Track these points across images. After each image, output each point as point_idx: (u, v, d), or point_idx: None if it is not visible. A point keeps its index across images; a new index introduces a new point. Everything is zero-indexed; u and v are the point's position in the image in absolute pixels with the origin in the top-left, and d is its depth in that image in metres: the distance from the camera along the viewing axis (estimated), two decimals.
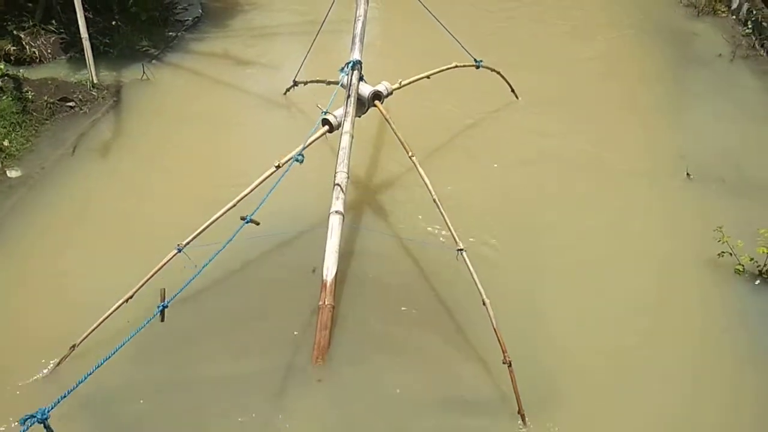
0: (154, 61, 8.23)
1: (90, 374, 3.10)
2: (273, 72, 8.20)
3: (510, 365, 4.06)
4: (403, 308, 4.78)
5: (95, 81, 7.53)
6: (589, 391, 4.29)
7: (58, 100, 7.11)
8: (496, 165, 6.35)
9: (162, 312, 3.70)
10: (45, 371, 4.30)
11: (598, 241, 5.50)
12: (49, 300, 4.90)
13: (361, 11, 5.77)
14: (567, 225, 5.63)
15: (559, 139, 6.76)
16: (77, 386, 3.06)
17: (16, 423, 3.86)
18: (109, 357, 3.17)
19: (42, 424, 2.81)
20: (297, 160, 4.62)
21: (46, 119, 6.91)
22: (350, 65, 5.37)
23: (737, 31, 8.92)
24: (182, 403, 4.19)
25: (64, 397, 2.97)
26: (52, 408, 2.89)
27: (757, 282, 5.06)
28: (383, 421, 4.11)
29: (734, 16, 9.36)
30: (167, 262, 4.38)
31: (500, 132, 6.90)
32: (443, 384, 4.32)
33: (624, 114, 7.31)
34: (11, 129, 6.55)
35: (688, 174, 6.16)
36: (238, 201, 4.65)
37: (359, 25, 5.70)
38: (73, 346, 4.26)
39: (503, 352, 4.09)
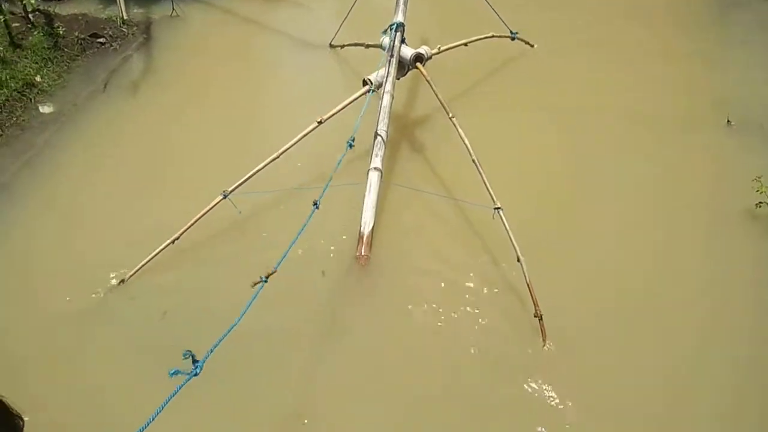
0: None
1: (220, 341, 3.18)
2: (304, 11, 8.08)
3: (541, 318, 4.18)
4: (439, 262, 4.75)
5: (125, 17, 7.49)
6: (622, 342, 4.24)
7: (88, 36, 7.09)
8: (527, 118, 6.18)
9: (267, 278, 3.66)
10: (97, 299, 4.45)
11: (634, 192, 5.35)
12: (79, 238, 4.97)
13: None
14: (601, 178, 5.48)
15: (592, 88, 6.55)
16: (217, 344, 3.18)
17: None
18: (232, 328, 3.25)
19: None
20: (350, 145, 4.67)
21: (77, 55, 6.91)
22: (394, 27, 5.40)
23: None
24: None
25: (207, 357, 3.11)
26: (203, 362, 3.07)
27: None
28: (413, 363, 4.15)
29: None
30: (213, 207, 4.55)
31: (529, 82, 6.68)
32: (477, 334, 4.31)
33: (659, 59, 7.05)
34: (43, 65, 6.57)
35: (728, 121, 5.97)
36: (282, 153, 4.79)
37: None
38: (122, 280, 4.48)
39: (535, 306, 4.21)
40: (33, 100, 6.22)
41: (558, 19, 7.66)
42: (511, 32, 6.79)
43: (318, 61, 7.12)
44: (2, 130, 5.84)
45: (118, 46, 7.16)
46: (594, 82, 6.66)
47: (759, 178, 5.01)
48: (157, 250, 4.49)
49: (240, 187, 4.64)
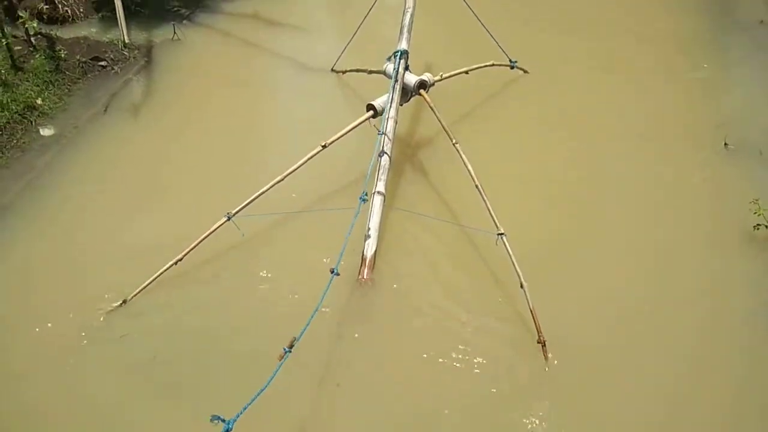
0: (185, 22, 8.20)
1: (249, 405, 3.26)
2: (304, 35, 8.15)
3: (544, 344, 4.23)
4: (441, 287, 4.76)
5: (127, 41, 7.54)
6: (623, 369, 4.28)
7: (90, 59, 7.13)
8: (529, 142, 6.23)
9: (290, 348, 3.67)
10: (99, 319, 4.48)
11: (635, 215, 5.40)
12: (79, 258, 4.99)
13: (410, 3, 5.99)
14: (602, 201, 5.54)
15: (593, 111, 6.63)
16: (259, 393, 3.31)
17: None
18: (259, 393, 3.32)
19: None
20: (362, 200, 4.59)
21: (79, 78, 6.95)
22: (398, 54, 5.49)
23: None
24: None
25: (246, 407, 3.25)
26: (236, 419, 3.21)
27: None
28: (415, 389, 4.15)
29: None
30: (217, 228, 4.61)
31: (530, 106, 6.73)
32: (479, 359, 4.31)
33: (659, 80, 7.14)
34: (44, 87, 6.61)
35: (726, 144, 6.02)
36: (286, 176, 4.85)
37: (407, 16, 5.90)
38: (124, 301, 4.50)
39: (538, 332, 4.25)
40: (34, 123, 6.25)
41: (559, 43, 7.74)
42: (510, 61, 6.90)
43: (318, 85, 7.16)
44: (3, 152, 5.86)
45: (119, 69, 7.20)
46: (595, 105, 6.73)
47: (756, 200, 5.05)
48: (160, 271, 4.51)
49: (244, 209, 4.68)
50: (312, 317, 3.75)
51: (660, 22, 8.23)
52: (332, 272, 4.08)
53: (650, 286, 4.79)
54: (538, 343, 4.24)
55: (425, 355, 4.29)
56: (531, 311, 4.31)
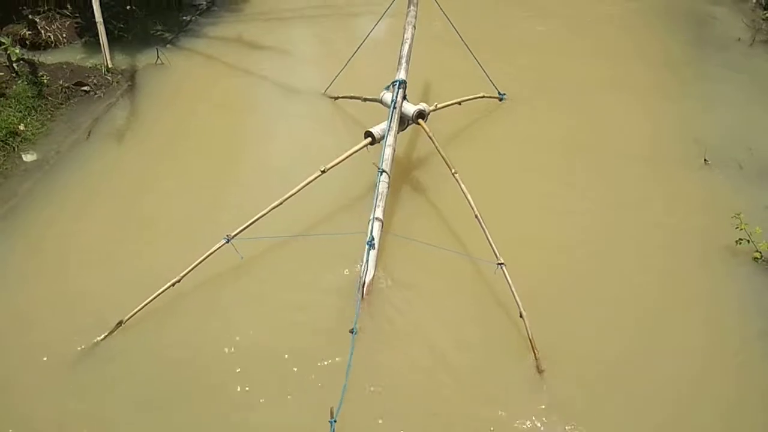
0: (168, 46, 8.23)
1: None
2: (290, 59, 8.22)
3: (542, 372, 4.28)
4: (439, 315, 4.75)
5: (110, 65, 7.55)
6: (623, 393, 4.28)
7: (73, 85, 7.13)
8: (526, 168, 6.24)
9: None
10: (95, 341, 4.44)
11: (625, 236, 5.43)
12: (65, 283, 4.94)
13: (408, 35, 6.05)
14: (595, 226, 5.55)
15: (582, 134, 6.66)
16: None
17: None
18: None
19: None
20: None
21: (61, 103, 6.94)
22: (397, 84, 5.63)
23: (758, 15, 8.78)
24: None
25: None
26: None
27: None
28: (412, 416, 4.11)
29: (755, 0, 9.21)
30: (215, 251, 4.62)
31: (523, 131, 6.76)
32: (477, 390, 4.29)
33: (638, 99, 7.23)
34: (27, 113, 6.59)
35: (705, 160, 6.10)
36: (285, 200, 4.89)
37: (406, 47, 5.97)
38: (120, 322, 4.44)
39: (537, 361, 4.30)
40: (16, 149, 6.22)
41: (546, 66, 7.85)
42: (499, 93, 7.04)
43: (307, 109, 7.17)
44: None
45: (102, 94, 7.19)
46: (582, 127, 6.77)
47: (738, 215, 5.10)
48: (158, 292, 4.47)
49: (243, 232, 4.70)
50: (344, 388, 3.78)
51: (639, 44, 8.37)
52: (351, 332, 4.14)
53: (643, 310, 4.80)
54: (539, 372, 4.26)
55: (421, 385, 4.27)
56: (530, 340, 4.35)
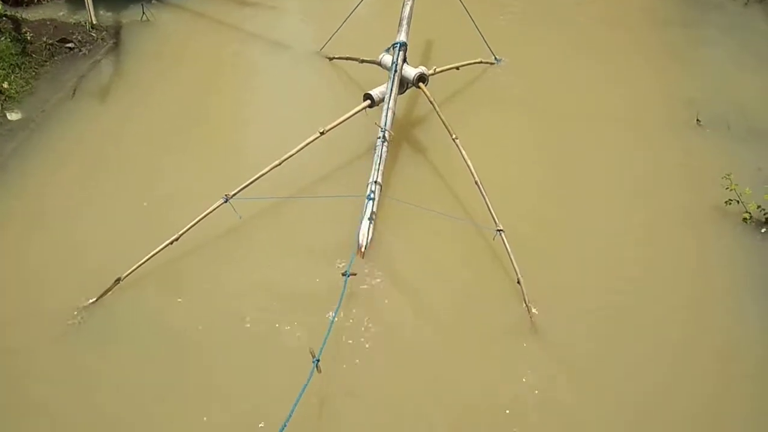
0: (153, 2, 8.02)
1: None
2: (281, 15, 8.06)
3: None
4: (435, 280, 4.75)
5: (94, 22, 7.38)
6: (617, 355, 4.33)
7: (57, 42, 6.97)
8: (521, 133, 6.20)
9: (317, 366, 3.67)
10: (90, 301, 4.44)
11: (619, 196, 5.45)
12: (55, 243, 4.92)
13: None
14: (590, 186, 5.55)
15: (576, 96, 6.62)
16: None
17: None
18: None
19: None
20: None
21: (46, 61, 6.79)
22: (398, 46, 5.56)
23: None
24: None
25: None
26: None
27: (764, 230, 5.02)
28: (408, 384, 4.14)
29: None
30: (213, 210, 4.59)
31: (521, 97, 6.66)
32: (473, 354, 4.33)
33: (632, 59, 7.17)
34: (10, 71, 6.45)
35: (698, 120, 6.08)
36: (283, 161, 4.84)
37: (407, 8, 5.92)
38: (118, 279, 4.43)
39: (532, 323, 4.35)
40: (1, 108, 6.11)
41: (541, 32, 7.72)
42: (495, 58, 6.97)
43: (301, 68, 7.08)
44: None
45: (87, 51, 7.05)
46: (577, 89, 6.73)
47: (728, 175, 5.10)
48: (156, 250, 4.46)
49: (241, 192, 4.67)
50: (329, 331, 3.80)
51: (631, 3, 8.25)
52: (344, 275, 4.20)
53: (637, 272, 4.82)
54: (535, 333, 4.30)
55: (415, 351, 4.29)
56: (527, 306, 4.39)
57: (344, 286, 4.15)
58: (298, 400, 3.33)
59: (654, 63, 7.15)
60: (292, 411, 3.25)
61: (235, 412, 3.90)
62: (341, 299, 4.03)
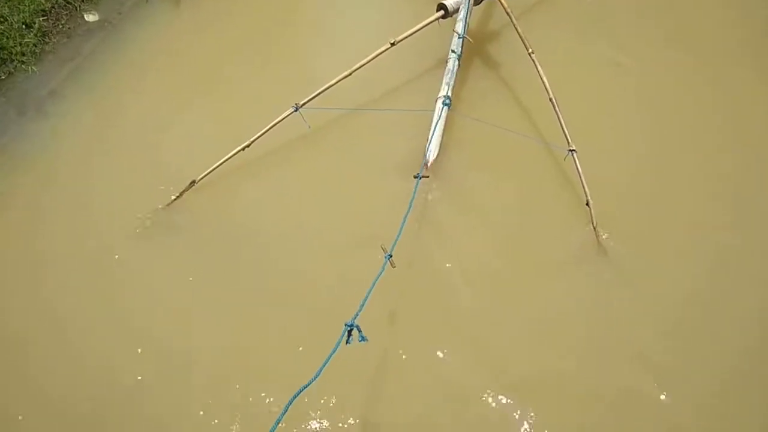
0: None
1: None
2: None
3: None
4: (503, 198, 4.72)
5: None
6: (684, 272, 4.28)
7: None
8: (607, 62, 5.76)
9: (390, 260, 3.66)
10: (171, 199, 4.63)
11: (704, 141, 5.11)
12: (135, 143, 5.04)
13: None
14: (674, 130, 5.19)
15: (671, 37, 5.98)
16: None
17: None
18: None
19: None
20: (446, 104, 4.51)
21: None
22: None
23: None
24: None
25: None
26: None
27: None
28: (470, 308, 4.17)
29: None
30: (283, 119, 4.58)
31: (584, 15, 6.21)
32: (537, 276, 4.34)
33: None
34: None
35: None
36: (354, 71, 4.72)
37: None
38: (193, 181, 4.55)
39: (600, 244, 4.35)
40: (78, 9, 6.12)
41: None
42: None
43: None
44: (49, 38, 5.77)
45: None
46: (674, 31, 6.08)
47: None
48: (227, 156, 4.53)
49: (311, 102, 4.64)
50: (366, 299, 3.42)
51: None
52: (416, 177, 4.17)
53: (720, 207, 4.66)
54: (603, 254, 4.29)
55: (486, 260, 4.33)
56: (594, 228, 4.35)
57: (416, 187, 4.09)
58: (370, 291, 3.29)
59: None
60: (364, 301, 3.23)
61: (310, 308, 4.06)
62: (413, 198, 3.95)
